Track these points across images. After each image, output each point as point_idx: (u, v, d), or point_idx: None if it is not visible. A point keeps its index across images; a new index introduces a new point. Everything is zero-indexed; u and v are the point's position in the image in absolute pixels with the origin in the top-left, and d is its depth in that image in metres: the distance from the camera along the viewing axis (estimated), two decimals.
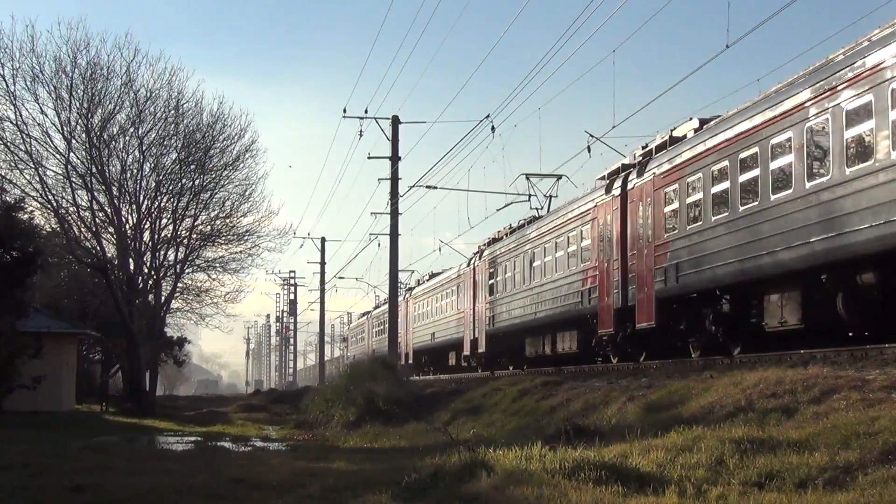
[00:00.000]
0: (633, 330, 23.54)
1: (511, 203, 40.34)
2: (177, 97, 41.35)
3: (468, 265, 40.82)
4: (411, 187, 39.43)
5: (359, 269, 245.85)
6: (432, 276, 51.18)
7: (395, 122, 39.25)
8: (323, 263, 75.93)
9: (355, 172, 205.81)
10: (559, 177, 36.73)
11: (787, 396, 12.59)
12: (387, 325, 55.84)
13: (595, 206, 26.13)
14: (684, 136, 22.23)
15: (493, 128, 30.63)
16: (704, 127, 21.43)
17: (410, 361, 52.02)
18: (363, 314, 75.61)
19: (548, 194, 36.67)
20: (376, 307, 67.80)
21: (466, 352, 40.07)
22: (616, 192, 24.72)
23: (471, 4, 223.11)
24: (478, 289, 38.70)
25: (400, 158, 39.21)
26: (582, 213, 27.19)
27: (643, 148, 24.51)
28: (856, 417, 10.64)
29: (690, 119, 22.50)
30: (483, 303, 37.51)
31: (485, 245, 38.94)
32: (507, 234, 36.15)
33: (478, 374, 37.24)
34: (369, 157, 40.32)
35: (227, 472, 14.69)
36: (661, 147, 23.27)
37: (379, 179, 40.68)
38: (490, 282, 36.71)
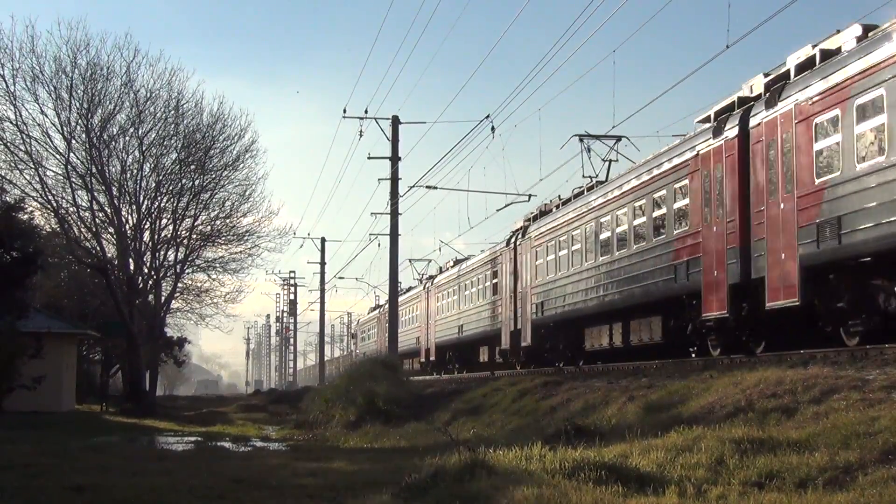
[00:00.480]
0: (759, 311, 18.17)
1: (511, 203, 40.31)
2: (177, 97, 41.55)
3: (507, 244, 35.22)
4: (411, 187, 39.47)
5: (359, 269, 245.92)
6: (457, 262, 45.73)
7: (395, 122, 39.30)
8: (323, 263, 76.02)
9: (355, 172, 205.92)
10: (619, 138, 30.88)
11: (787, 396, 12.60)
12: (401, 320, 52.15)
13: (696, 155, 20.63)
14: (838, 50, 16.77)
15: (493, 128, 30.64)
16: (870, 35, 15.86)
17: (432, 358, 47.48)
18: (374, 308, 72.16)
19: (606, 158, 31.06)
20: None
21: (504, 345, 34.83)
22: (731, 133, 19.25)
23: (471, 4, 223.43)
24: (521, 272, 33.09)
25: (400, 158, 39.29)
26: (675, 167, 21.74)
27: (766, 76, 19.08)
28: (856, 417, 10.65)
29: (838, 32, 17.15)
30: (528, 288, 31.89)
31: (528, 221, 33.41)
32: (557, 207, 30.92)
33: (517, 371, 32.31)
34: (369, 158, 40.43)
35: (228, 472, 14.70)
36: (806, 66, 17.46)
37: (379, 179, 40.77)
38: (537, 262, 31.23)
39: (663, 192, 22.32)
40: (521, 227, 34.08)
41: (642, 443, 11.83)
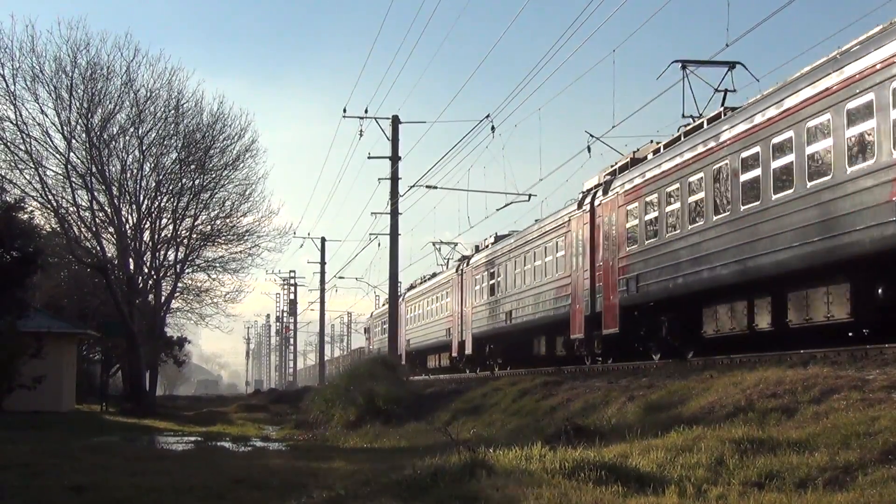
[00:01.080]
0: None
1: (511, 203, 40.13)
2: (177, 97, 41.59)
3: (579, 207, 27.86)
4: (411, 187, 39.47)
5: (359, 269, 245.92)
6: (498, 238, 38.74)
7: (395, 121, 39.32)
8: (323, 263, 76.06)
9: (355, 172, 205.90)
10: (733, 65, 24.39)
11: (787, 396, 12.60)
12: (426, 310, 50.38)
13: None
14: None
15: (493, 128, 30.56)
16: None
17: (468, 352, 40.18)
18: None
19: (720, 88, 24.31)
20: (410, 287, 54.33)
21: (577, 334, 27.62)
22: None
23: (471, 4, 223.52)
24: (601, 239, 26.04)
25: (400, 158, 39.31)
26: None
27: None
28: (856, 417, 10.65)
29: None
30: (614, 258, 24.98)
31: (611, 174, 26.69)
32: (656, 152, 23.90)
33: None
34: (369, 157, 40.48)
35: (228, 472, 14.70)
36: None
37: (379, 179, 40.77)
38: (629, 224, 24.15)
39: (868, 96, 15.19)
40: (601, 183, 26.88)
41: (642, 443, 11.83)
